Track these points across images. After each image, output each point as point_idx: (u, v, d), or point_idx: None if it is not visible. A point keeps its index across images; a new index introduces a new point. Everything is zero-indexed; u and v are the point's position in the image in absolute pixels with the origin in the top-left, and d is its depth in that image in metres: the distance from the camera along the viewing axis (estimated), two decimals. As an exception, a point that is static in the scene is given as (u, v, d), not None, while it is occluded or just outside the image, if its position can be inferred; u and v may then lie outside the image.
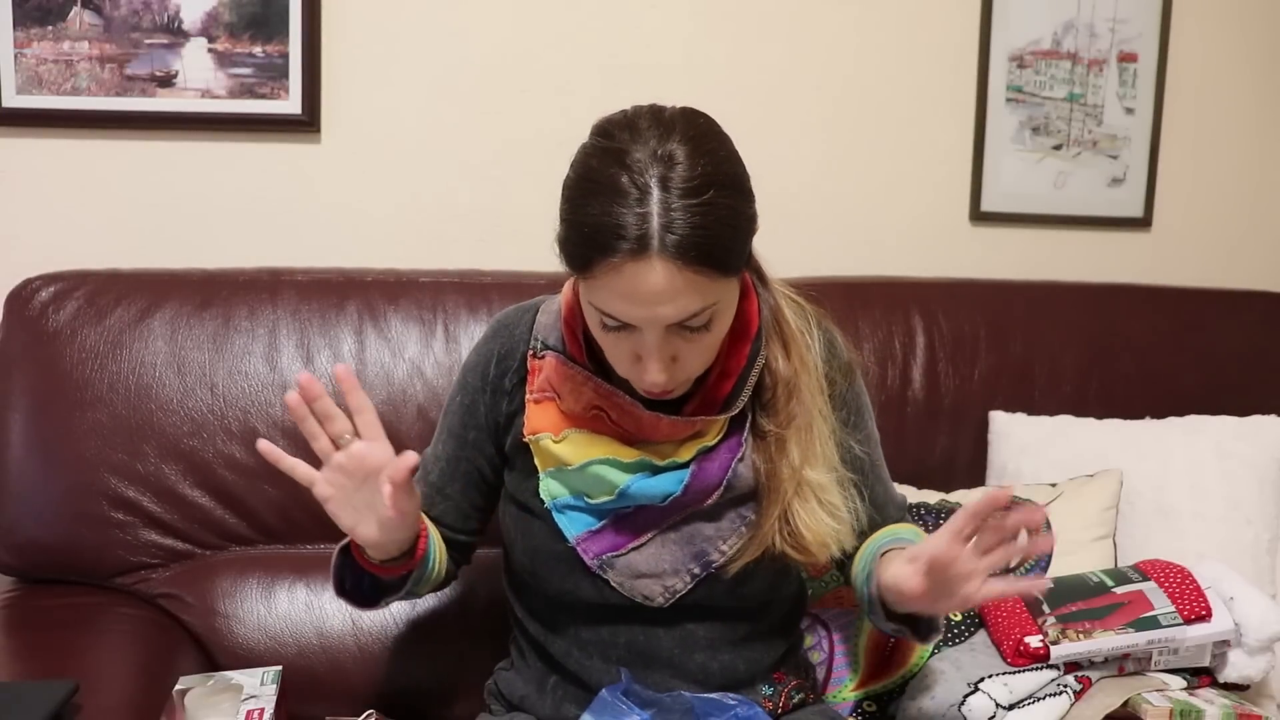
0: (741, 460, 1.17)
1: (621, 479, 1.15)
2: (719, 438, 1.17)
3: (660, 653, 1.19)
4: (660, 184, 0.98)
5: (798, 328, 1.20)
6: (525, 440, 1.20)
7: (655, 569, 1.17)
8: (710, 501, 1.17)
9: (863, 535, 1.23)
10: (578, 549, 1.17)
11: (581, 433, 1.16)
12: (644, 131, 1.01)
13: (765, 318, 1.18)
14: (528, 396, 1.21)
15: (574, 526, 1.18)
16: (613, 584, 1.17)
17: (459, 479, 1.27)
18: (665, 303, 1.00)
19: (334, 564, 1.18)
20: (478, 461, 1.26)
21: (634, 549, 1.17)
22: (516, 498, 1.24)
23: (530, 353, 1.22)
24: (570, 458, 1.16)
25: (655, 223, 0.97)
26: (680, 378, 1.09)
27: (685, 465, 1.15)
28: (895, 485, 1.32)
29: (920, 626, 1.16)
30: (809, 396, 1.17)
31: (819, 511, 1.15)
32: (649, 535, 1.17)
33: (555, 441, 1.17)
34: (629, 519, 1.17)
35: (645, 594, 1.17)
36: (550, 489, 1.19)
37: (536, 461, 1.20)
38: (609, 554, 1.17)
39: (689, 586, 1.18)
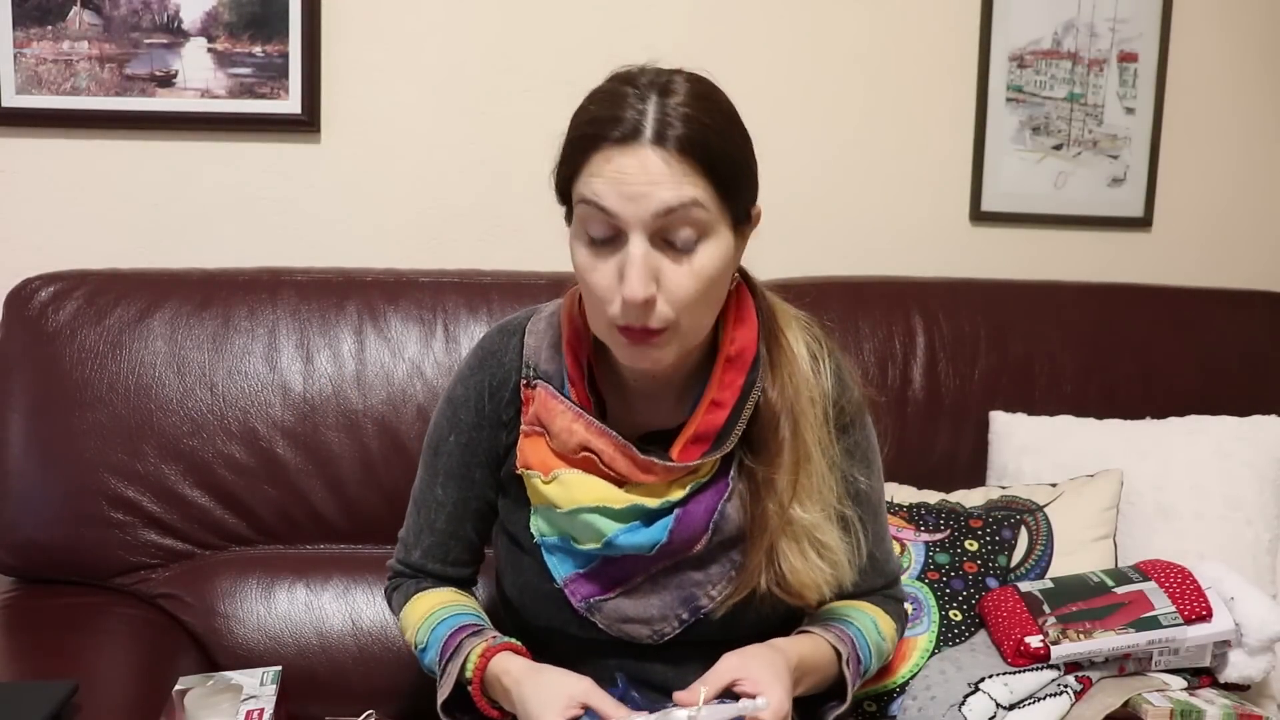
0: (729, 500, 1.13)
1: (610, 528, 1.11)
2: (711, 474, 1.13)
3: (654, 678, 1.18)
4: (659, 94, 1.00)
5: (802, 351, 1.15)
6: (518, 473, 1.18)
7: (643, 615, 1.15)
8: (699, 548, 1.13)
9: (862, 572, 1.20)
10: (565, 590, 1.15)
11: (572, 473, 1.12)
12: (646, 67, 1.05)
13: (761, 351, 1.13)
14: (521, 427, 1.18)
15: (562, 567, 1.16)
16: (600, 625, 1.16)
17: (469, 518, 1.25)
18: (653, 185, 0.98)
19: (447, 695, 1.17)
20: (486, 497, 1.24)
21: (622, 594, 1.15)
22: (507, 528, 1.22)
23: (523, 381, 1.18)
24: (560, 501, 1.12)
25: (650, 117, 0.99)
26: (661, 313, 1.01)
27: (679, 504, 1.12)
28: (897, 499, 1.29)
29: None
30: (804, 428, 1.12)
31: (809, 552, 1.11)
32: (637, 580, 1.15)
33: (545, 482, 1.14)
34: (617, 564, 1.14)
35: (632, 635, 1.16)
36: (540, 526, 1.16)
37: (529, 494, 1.18)
38: (596, 598, 1.15)
39: (677, 631, 1.16)
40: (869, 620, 1.23)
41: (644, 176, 0.98)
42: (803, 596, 1.13)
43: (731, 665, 1.07)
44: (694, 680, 1.14)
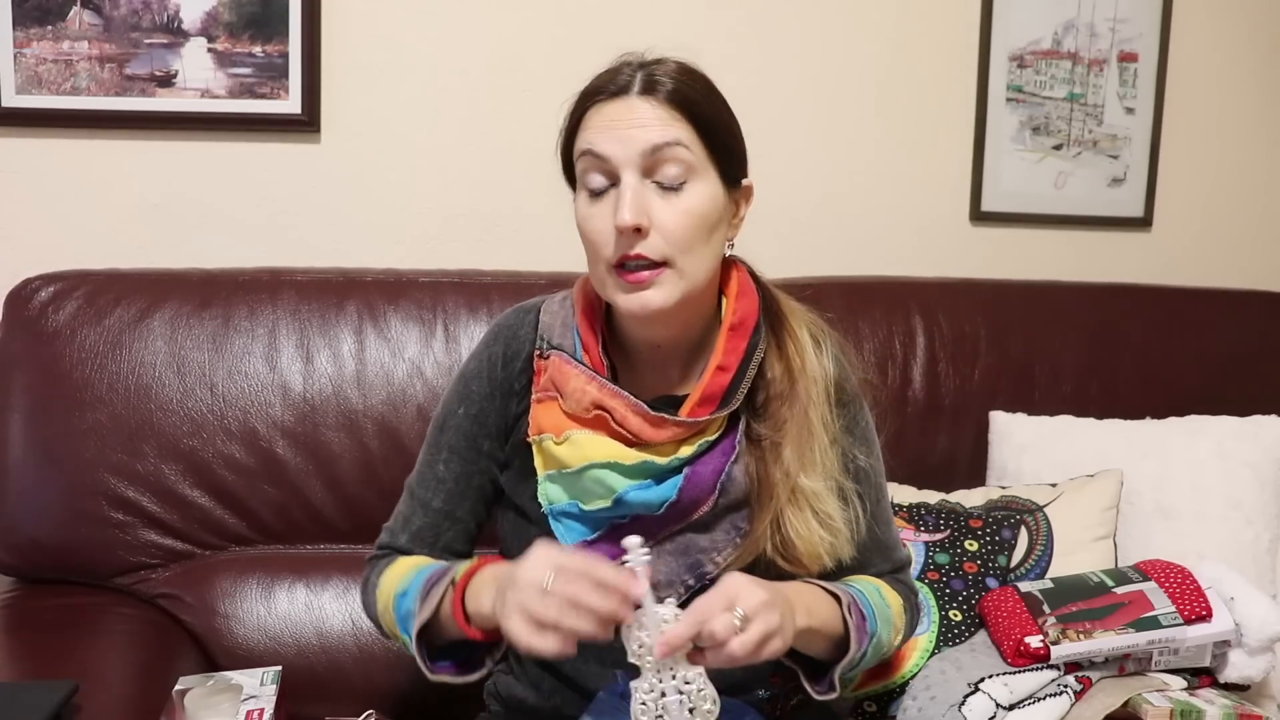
0: (735, 463, 1.16)
1: (620, 484, 1.13)
2: (719, 433, 1.16)
3: None
4: (647, 63, 1.12)
5: (805, 334, 1.20)
6: (529, 440, 1.19)
7: (650, 580, 1.16)
8: (705, 510, 1.15)
9: (861, 548, 1.21)
10: None
11: (583, 433, 1.15)
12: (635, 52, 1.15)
13: (761, 320, 1.19)
14: (532, 396, 1.20)
15: (570, 535, 1.16)
16: None
17: (470, 496, 1.25)
18: (640, 127, 1.08)
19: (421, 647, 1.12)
20: (491, 473, 1.24)
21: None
22: (514, 501, 1.22)
23: (536, 353, 1.21)
24: (570, 460, 1.15)
25: (639, 77, 1.11)
26: (655, 244, 1.08)
27: (687, 462, 1.14)
28: (898, 494, 1.29)
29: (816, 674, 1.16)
30: (807, 400, 1.16)
31: (812, 521, 1.14)
32: None
33: (556, 443, 1.16)
34: (624, 530, 1.13)
35: None
36: (548, 493, 1.17)
37: (536, 463, 1.19)
38: None
39: (683, 598, 1.16)
40: (870, 586, 1.23)
41: (632, 120, 1.08)
42: (805, 565, 1.15)
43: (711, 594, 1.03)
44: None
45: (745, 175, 1.17)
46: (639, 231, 1.07)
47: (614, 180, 1.09)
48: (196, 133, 1.82)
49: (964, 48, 2.04)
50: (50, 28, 1.76)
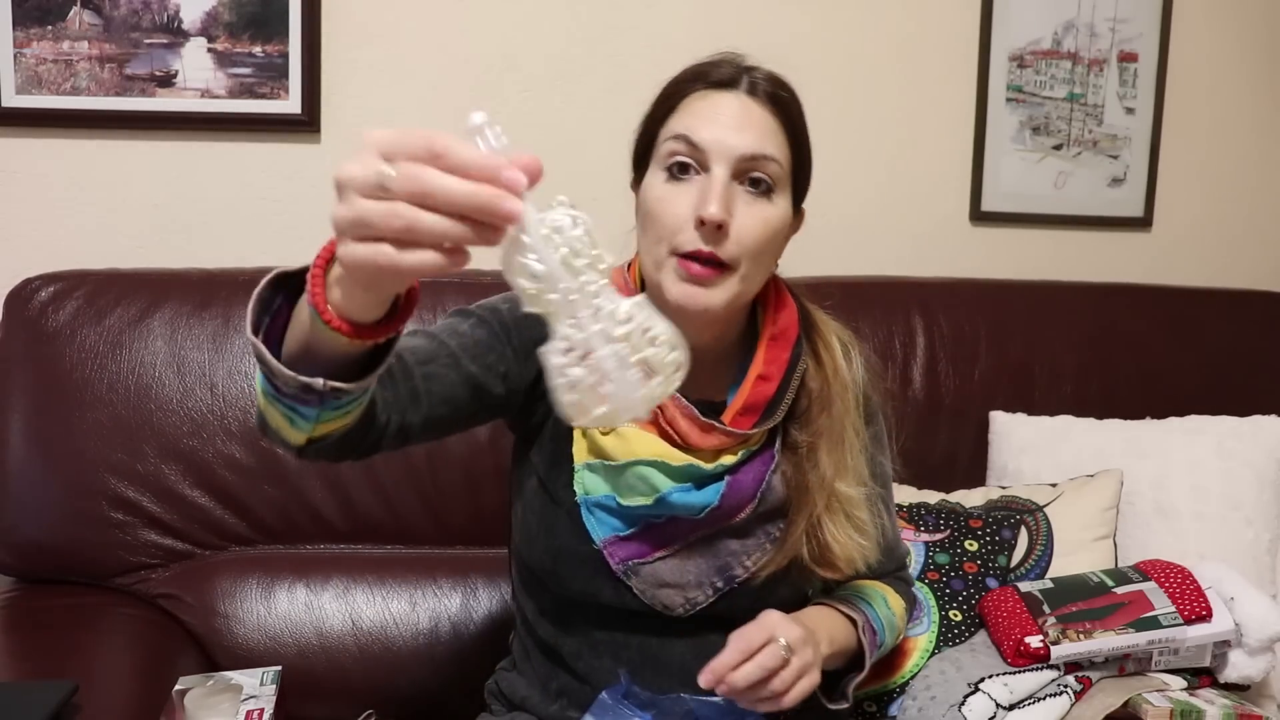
0: (775, 472, 1.16)
1: (664, 484, 1.12)
2: (760, 444, 1.17)
3: (672, 659, 1.18)
4: (745, 66, 1.13)
5: (836, 344, 1.21)
6: (573, 425, 1.14)
7: (679, 580, 1.15)
8: (743, 516, 1.15)
9: (887, 551, 1.24)
10: (604, 552, 1.14)
11: (631, 427, 1.14)
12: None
13: (802, 333, 1.20)
14: None
15: (602, 529, 1.15)
16: (635, 590, 1.15)
17: (482, 365, 1.11)
18: (739, 130, 1.08)
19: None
20: (457, 392, 1.09)
21: (660, 558, 1.15)
22: (546, 486, 1.19)
23: None
24: (616, 453, 1.13)
25: (744, 74, 1.11)
26: (729, 249, 1.06)
27: (730, 470, 1.14)
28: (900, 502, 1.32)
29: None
30: (841, 408, 1.17)
31: (848, 527, 1.15)
32: (676, 546, 1.16)
33: (603, 432, 1.14)
34: (659, 528, 1.15)
35: (666, 603, 1.16)
36: (585, 483, 1.16)
37: (575, 450, 1.16)
38: (635, 560, 1.15)
39: (710, 600, 1.16)
40: (878, 595, 1.25)
41: (738, 117, 1.08)
42: (839, 569, 1.16)
43: (750, 628, 1.07)
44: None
45: (804, 201, 1.18)
46: (720, 229, 1.06)
47: (701, 168, 1.08)
48: (196, 133, 1.82)
49: (964, 48, 2.04)
50: (50, 28, 1.76)
